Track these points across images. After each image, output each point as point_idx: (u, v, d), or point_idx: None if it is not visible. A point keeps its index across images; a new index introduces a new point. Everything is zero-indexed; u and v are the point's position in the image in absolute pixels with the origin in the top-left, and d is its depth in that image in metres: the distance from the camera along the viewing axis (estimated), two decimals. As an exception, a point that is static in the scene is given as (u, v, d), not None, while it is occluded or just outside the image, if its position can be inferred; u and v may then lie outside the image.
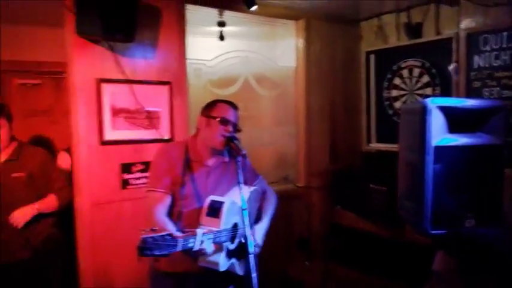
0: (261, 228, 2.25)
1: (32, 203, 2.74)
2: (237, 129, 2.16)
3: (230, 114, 2.15)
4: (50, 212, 2.82)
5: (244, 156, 2.02)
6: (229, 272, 2.08)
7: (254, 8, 3.03)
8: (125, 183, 2.90)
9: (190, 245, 1.79)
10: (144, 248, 1.61)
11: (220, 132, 2.11)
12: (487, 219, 2.23)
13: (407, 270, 3.13)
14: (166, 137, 3.04)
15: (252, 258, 1.83)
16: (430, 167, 2.13)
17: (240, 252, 2.10)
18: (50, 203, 2.82)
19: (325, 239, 3.91)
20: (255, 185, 2.35)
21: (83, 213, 2.77)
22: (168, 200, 2.10)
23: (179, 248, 1.72)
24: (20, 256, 2.71)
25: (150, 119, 2.97)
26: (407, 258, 3.17)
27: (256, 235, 2.18)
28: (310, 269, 3.74)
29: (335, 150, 4.04)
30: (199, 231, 1.84)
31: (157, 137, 3.00)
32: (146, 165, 2.95)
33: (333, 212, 3.86)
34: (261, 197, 2.39)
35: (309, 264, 3.66)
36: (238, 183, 1.93)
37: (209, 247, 1.87)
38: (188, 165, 2.16)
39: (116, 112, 2.84)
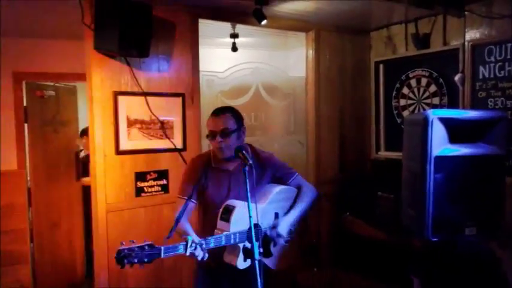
0: (286, 220, 2.28)
1: None
2: (225, 133, 2.18)
3: (211, 125, 2.23)
4: None
5: (251, 166, 2.07)
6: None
7: (264, 22, 3.12)
8: (139, 191, 3.02)
9: (179, 251, 1.89)
10: (120, 258, 1.71)
11: (213, 145, 2.23)
12: (488, 227, 2.29)
13: (414, 277, 3.17)
14: (179, 147, 3.15)
15: (256, 263, 1.88)
16: (431, 176, 2.20)
17: (263, 250, 2.19)
18: None
19: (333, 246, 3.96)
20: (289, 183, 2.39)
21: (98, 219, 2.88)
22: (189, 206, 2.21)
23: (163, 255, 1.82)
24: None
25: (164, 130, 3.08)
26: (414, 265, 3.21)
27: (280, 227, 2.22)
28: (318, 275, 3.79)
29: (344, 158, 4.10)
30: (189, 238, 1.92)
31: (171, 146, 3.11)
32: (159, 174, 3.08)
33: (342, 219, 3.91)
34: (296, 193, 2.42)
35: (318, 271, 3.71)
36: (246, 191, 1.96)
37: (199, 253, 1.93)
38: (210, 172, 2.28)
39: (131, 123, 2.96)
